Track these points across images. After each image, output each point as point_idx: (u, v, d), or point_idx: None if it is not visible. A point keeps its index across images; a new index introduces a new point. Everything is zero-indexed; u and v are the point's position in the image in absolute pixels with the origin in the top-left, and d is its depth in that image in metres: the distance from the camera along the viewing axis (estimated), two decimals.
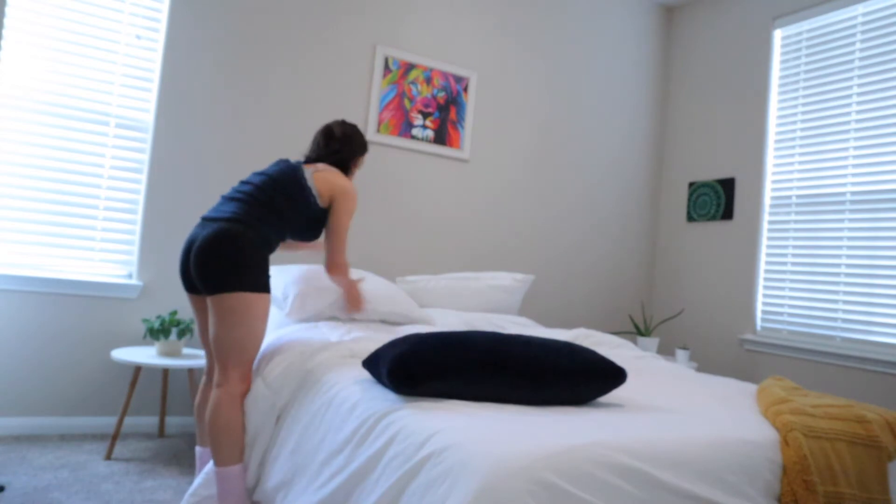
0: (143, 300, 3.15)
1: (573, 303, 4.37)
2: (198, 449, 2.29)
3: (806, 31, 3.85)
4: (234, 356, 2.06)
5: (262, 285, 2.08)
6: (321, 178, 2.28)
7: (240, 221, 2.08)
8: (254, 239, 2.08)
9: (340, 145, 2.46)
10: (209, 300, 2.06)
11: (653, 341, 3.96)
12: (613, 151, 4.54)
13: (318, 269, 2.85)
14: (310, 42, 3.53)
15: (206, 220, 2.13)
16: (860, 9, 3.57)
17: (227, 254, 2.02)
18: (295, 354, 2.16)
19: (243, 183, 2.24)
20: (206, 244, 2.02)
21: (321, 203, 2.29)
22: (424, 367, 1.64)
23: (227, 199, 2.19)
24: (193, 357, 2.90)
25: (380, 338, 2.40)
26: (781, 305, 3.80)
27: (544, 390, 1.71)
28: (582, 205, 4.41)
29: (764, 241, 3.96)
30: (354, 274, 3.12)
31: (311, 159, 2.47)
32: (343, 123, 2.51)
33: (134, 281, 3.15)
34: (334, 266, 2.36)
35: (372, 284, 3.06)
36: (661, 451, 1.44)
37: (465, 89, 3.94)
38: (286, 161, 2.35)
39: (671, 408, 1.84)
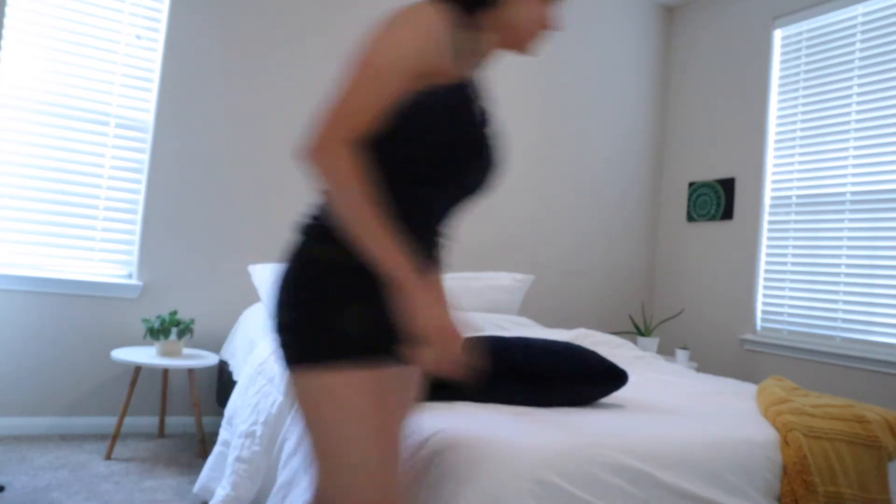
0: (143, 300, 3.15)
1: (573, 303, 4.37)
2: None
3: (806, 31, 3.85)
4: (318, 482, 1.10)
5: (340, 348, 1.07)
6: None
7: (308, 231, 1.14)
8: (324, 259, 1.10)
9: None
10: None
11: (653, 341, 3.96)
12: (613, 151, 4.54)
13: None
14: (310, 41, 3.53)
15: None
16: (860, 9, 3.57)
17: (281, 299, 1.12)
18: None
19: None
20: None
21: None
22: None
23: None
24: (193, 357, 2.90)
25: None
26: (781, 305, 3.80)
27: (545, 393, 1.71)
28: (582, 205, 4.41)
29: (764, 241, 3.96)
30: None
31: None
32: None
33: (134, 281, 3.15)
34: (312, 143, 1.02)
35: None
36: (661, 451, 1.44)
37: None
38: None
39: (671, 408, 1.84)
